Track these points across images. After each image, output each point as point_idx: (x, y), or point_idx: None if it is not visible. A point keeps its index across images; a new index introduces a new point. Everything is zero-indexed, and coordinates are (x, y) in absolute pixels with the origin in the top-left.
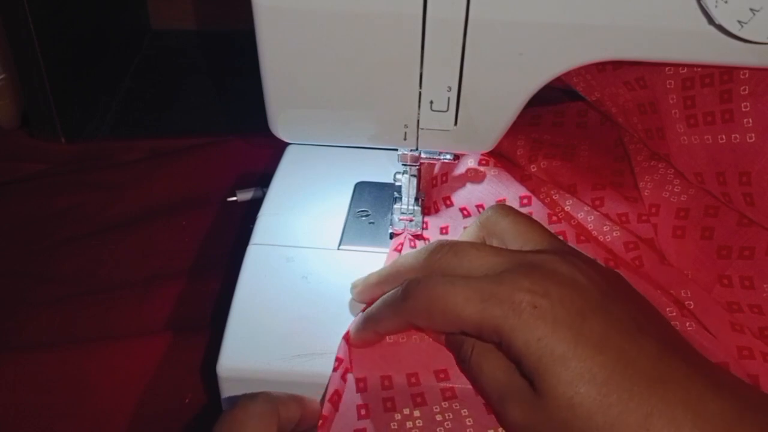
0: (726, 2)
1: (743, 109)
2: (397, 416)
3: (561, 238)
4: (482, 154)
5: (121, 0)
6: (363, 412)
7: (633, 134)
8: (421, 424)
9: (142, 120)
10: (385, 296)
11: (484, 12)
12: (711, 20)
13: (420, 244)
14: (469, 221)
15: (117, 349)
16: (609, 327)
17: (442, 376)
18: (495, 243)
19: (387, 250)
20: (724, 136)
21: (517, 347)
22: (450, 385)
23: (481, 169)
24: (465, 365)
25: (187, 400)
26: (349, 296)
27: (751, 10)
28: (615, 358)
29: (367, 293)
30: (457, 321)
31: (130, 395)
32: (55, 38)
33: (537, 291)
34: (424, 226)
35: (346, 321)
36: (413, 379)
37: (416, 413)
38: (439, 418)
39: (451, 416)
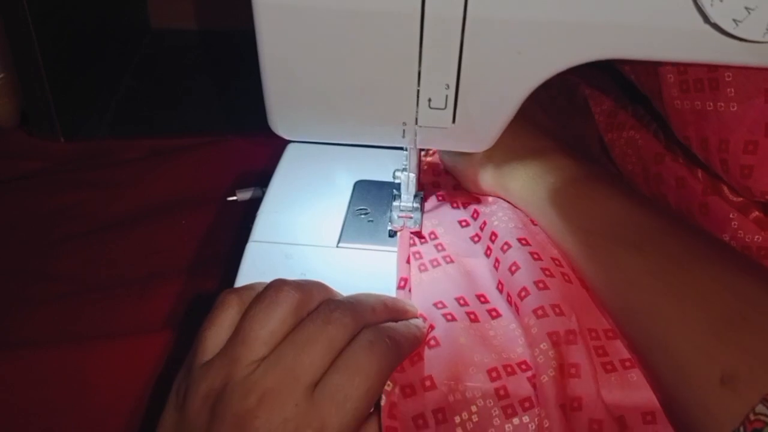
0: (721, 1)
1: (726, 79)
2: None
3: None
4: None
5: None
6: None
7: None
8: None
9: (142, 119)
10: None
11: (483, 9)
12: (706, 19)
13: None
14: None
15: (116, 347)
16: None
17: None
18: None
19: (386, 248)
20: (711, 104)
21: None
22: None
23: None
24: None
25: None
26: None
27: (746, 8)
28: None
29: None
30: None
31: (129, 393)
32: (55, 37)
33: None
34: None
35: None
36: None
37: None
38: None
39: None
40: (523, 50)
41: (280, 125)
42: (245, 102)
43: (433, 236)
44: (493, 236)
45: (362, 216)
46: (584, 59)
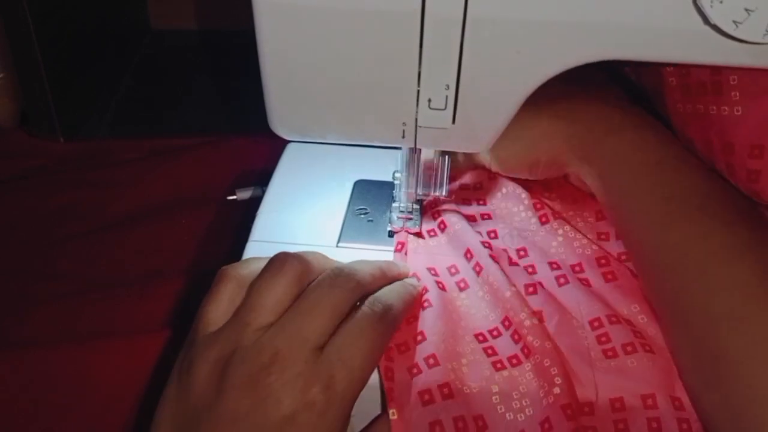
0: (721, 2)
1: (731, 82)
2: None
3: None
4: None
5: None
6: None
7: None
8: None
9: (141, 119)
10: None
11: (483, 9)
12: (706, 20)
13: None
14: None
15: (116, 347)
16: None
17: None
18: None
19: (385, 248)
20: (714, 107)
21: None
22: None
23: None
24: None
25: None
26: None
27: (746, 10)
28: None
29: None
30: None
31: (129, 392)
32: (55, 37)
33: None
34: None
35: None
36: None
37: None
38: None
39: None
40: (523, 50)
41: (280, 125)
42: (245, 102)
43: (433, 210)
44: (492, 233)
45: (362, 216)
46: (584, 59)
